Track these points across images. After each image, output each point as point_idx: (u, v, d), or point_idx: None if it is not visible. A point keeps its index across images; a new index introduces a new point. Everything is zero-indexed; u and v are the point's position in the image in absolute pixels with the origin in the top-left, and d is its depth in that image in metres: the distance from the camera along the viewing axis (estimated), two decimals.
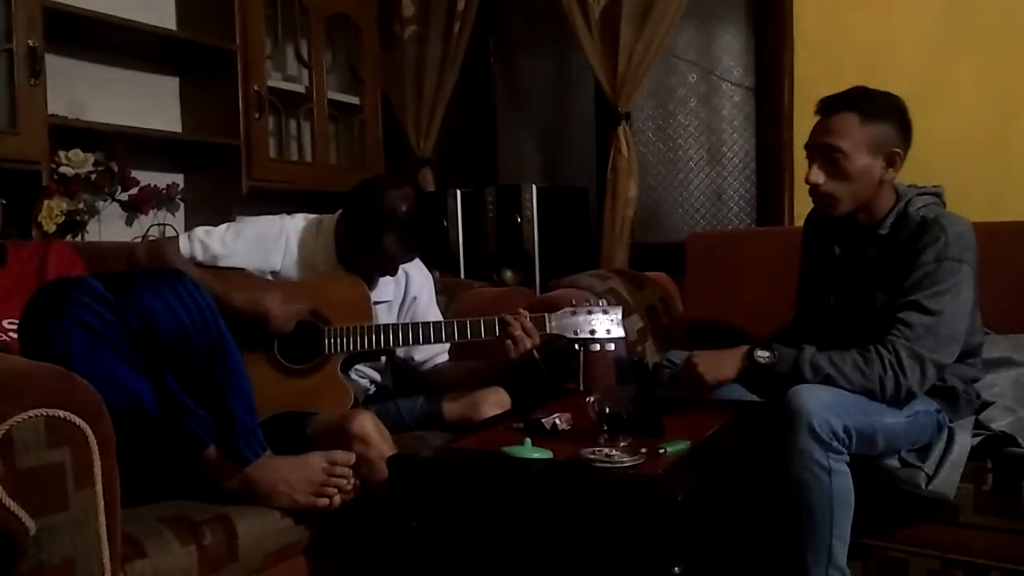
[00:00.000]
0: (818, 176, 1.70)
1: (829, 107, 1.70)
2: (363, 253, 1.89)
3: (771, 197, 2.87)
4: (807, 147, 1.73)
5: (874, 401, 1.58)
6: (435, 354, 2.06)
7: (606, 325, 1.82)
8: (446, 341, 1.85)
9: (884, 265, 1.70)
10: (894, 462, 1.66)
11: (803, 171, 1.74)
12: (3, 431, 1.04)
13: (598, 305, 1.85)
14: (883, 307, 1.67)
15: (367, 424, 1.61)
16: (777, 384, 1.62)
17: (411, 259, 1.98)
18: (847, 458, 1.54)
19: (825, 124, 1.70)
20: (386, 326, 1.83)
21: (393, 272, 1.97)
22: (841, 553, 1.54)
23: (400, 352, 2.03)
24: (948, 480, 1.62)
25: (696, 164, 3.13)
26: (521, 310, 1.82)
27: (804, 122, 2.68)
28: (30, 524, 1.06)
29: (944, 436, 1.68)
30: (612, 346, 1.83)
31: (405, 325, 1.84)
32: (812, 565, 1.54)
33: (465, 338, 1.83)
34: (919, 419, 1.65)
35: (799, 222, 2.05)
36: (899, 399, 1.59)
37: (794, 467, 1.52)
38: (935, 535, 1.69)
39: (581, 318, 1.82)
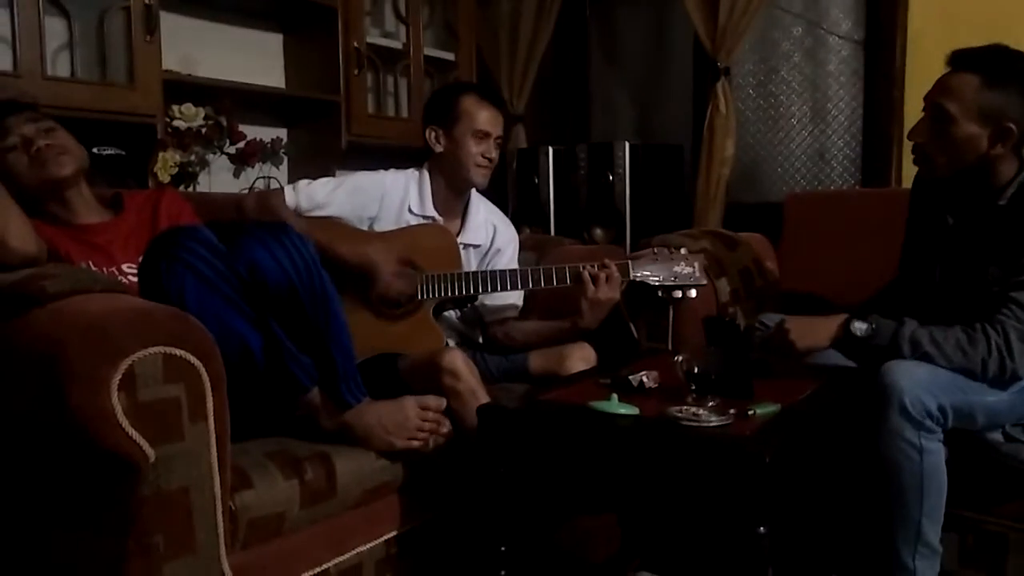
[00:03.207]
0: (920, 134, 1.61)
1: (954, 62, 1.58)
2: (451, 136, 1.99)
3: (878, 157, 2.74)
4: (924, 98, 1.63)
5: (974, 380, 1.52)
6: (504, 307, 2.10)
7: (687, 271, 1.88)
8: (533, 287, 1.91)
9: (1001, 237, 1.59)
10: (997, 436, 1.59)
11: None
12: (127, 365, 1.12)
13: (679, 252, 1.91)
14: (995, 281, 1.57)
15: (456, 359, 1.67)
16: (873, 356, 1.56)
17: (497, 133, 2.03)
18: (940, 436, 1.48)
19: (945, 80, 1.59)
20: (475, 273, 1.92)
21: (488, 154, 2.02)
22: (932, 532, 1.50)
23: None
24: None
25: (799, 122, 3.01)
26: (606, 259, 1.89)
27: (916, 79, 2.56)
28: (150, 452, 1.15)
29: None
30: (694, 292, 1.90)
31: (493, 272, 1.92)
32: (900, 543, 1.50)
33: (551, 283, 1.89)
34: None
35: (907, 184, 1.96)
36: (1002, 380, 1.52)
37: (884, 444, 1.47)
38: None
39: (662, 264, 1.89)
